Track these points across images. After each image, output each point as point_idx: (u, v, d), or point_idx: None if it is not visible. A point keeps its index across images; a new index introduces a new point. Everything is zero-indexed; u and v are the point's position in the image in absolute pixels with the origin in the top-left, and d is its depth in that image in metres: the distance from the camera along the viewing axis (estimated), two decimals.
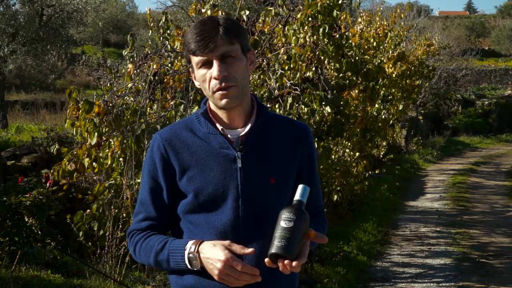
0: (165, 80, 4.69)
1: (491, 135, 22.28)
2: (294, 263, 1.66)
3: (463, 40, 35.13)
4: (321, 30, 4.89)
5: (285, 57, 4.91)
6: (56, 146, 5.40)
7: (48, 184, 4.98)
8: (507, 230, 8.23)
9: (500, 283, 5.89)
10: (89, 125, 4.44)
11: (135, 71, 4.78)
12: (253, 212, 1.80)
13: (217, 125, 1.85)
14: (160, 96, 4.76)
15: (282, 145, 1.88)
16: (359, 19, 9.31)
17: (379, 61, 8.44)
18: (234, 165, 1.81)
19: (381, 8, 10.65)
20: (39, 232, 4.35)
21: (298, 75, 4.94)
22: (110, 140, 4.57)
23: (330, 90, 5.47)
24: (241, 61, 1.80)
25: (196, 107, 4.26)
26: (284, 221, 1.68)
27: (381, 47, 9.32)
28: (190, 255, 1.73)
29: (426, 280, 5.99)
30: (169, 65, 4.77)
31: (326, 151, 5.25)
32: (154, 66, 4.72)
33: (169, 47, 4.79)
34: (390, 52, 9.60)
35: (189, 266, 1.74)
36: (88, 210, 4.67)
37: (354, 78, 6.14)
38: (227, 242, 1.71)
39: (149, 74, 4.70)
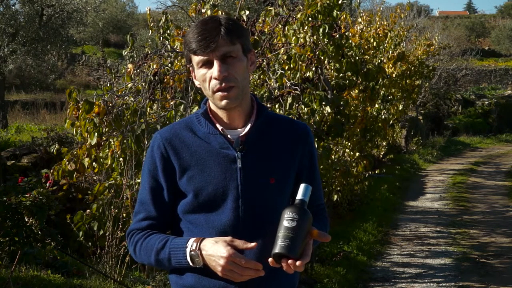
0: (165, 80, 4.69)
1: (491, 135, 22.28)
2: (298, 263, 1.66)
3: (463, 40, 35.13)
4: (321, 30, 4.89)
5: (285, 57, 4.91)
6: (56, 146, 5.39)
7: (48, 184, 4.98)
8: (507, 230, 8.23)
9: (500, 283, 5.89)
10: (89, 125, 4.44)
11: (135, 71, 4.78)
12: (253, 212, 1.80)
13: (217, 125, 1.85)
14: (160, 96, 4.76)
15: (282, 145, 1.88)
16: (359, 19, 9.31)
17: (379, 61, 8.44)
18: (234, 165, 1.81)
19: (381, 8, 10.64)
20: (39, 232, 4.35)
21: (298, 75, 4.94)
22: (110, 140, 4.57)
23: (330, 90, 5.47)
24: (241, 62, 1.80)
25: (196, 107, 4.26)
26: (287, 220, 1.68)
27: (381, 47, 9.31)
28: (192, 252, 1.73)
29: (426, 280, 5.99)
30: (169, 65, 4.77)
31: (326, 151, 5.25)
32: (154, 66, 4.73)
33: (169, 47, 4.79)
34: (390, 52, 9.60)
35: (191, 264, 1.74)
36: (88, 210, 4.67)
37: (354, 78, 6.14)
38: (228, 238, 1.72)
39: (149, 74, 4.70)
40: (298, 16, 4.95)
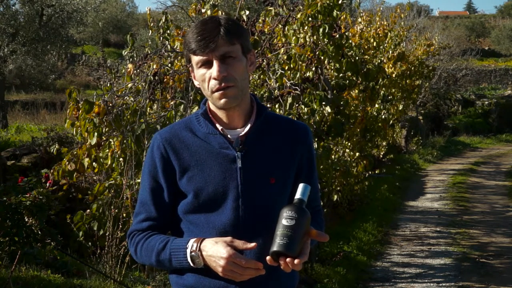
0: (165, 80, 4.70)
1: (491, 135, 22.27)
2: (296, 261, 1.66)
3: (463, 40, 35.12)
4: (321, 30, 4.89)
5: (285, 57, 4.91)
6: (56, 146, 5.39)
7: (48, 184, 4.98)
8: (507, 230, 8.23)
9: (500, 283, 5.89)
10: (89, 125, 4.44)
11: (135, 71, 4.78)
12: (253, 212, 1.80)
13: (217, 125, 1.85)
14: (160, 96, 4.76)
15: (282, 145, 1.89)
16: (359, 19, 9.32)
17: (379, 61, 8.44)
18: (234, 165, 1.81)
19: (381, 8, 10.65)
20: (39, 232, 4.35)
21: (298, 75, 4.94)
22: (110, 140, 4.57)
23: (330, 90, 5.47)
24: (241, 62, 1.80)
25: (196, 107, 4.26)
26: (285, 219, 1.68)
27: (381, 47, 9.32)
28: (193, 253, 1.73)
29: (426, 280, 5.99)
30: (169, 65, 4.77)
31: (326, 151, 5.26)
32: (154, 66, 4.73)
33: (169, 47, 4.80)
34: (390, 52, 9.61)
35: (192, 264, 1.74)
36: (88, 210, 4.67)
37: (354, 78, 6.14)
38: (228, 239, 1.72)
39: (149, 74, 4.70)
40: (298, 16, 4.95)
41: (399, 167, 13.71)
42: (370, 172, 9.20)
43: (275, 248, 1.66)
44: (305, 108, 4.94)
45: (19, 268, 4.35)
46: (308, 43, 4.96)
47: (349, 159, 7.40)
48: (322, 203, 2.53)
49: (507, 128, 23.14)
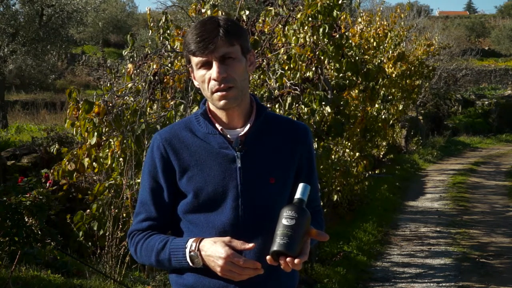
0: (165, 80, 4.70)
1: (491, 135, 22.27)
2: (296, 261, 1.66)
3: (463, 40, 35.12)
4: (321, 30, 4.89)
5: (285, 57, 4.91)
6: (56, 146, 5.39)
7: (48, 184, 4.98)
8: (507, 230, 8.23)
9: (500, 283, 5.89)
10: (89, 125, 4.44)
11: (135, 71, 4.78)
12: (253, 211, 1.81)
13: (217, 125, 1.85)
14: (160, 96, 4.76)
15: (281, 145, 1.89)
16: (359, 19, 9.32)
17: (379, 61, 8.44)
18: (233, 165, 1.81)
19: (381, 8, 10.65)
20: (39, 232, 4.35)
21: (298, 75, 4.94)
22: (110, 140, 4.57)
23: (330, 90, 5.47)
24: (240, 63, 1.80)
25: (196, 107, 4.26)
26: (285, 219, 1.69)
27: (381, 47, 9.32)
28: (192, 253, 1.74)
29: (426, 280, 5.99)
30: (169, 65, 4.77)
31: (326, 151, 5.26)
32: (154, 66, 4.73)
33: (169, 47, 4.80)
34: (390, 52, 9.61)
35: (191, 264, 1.75)
36: (88, 210, 4.67)
37: (354, 78, 6.14)
38: (227, 239, 1.72)
39: (149, 74, 4.70)
40: (298, 16, 4.95)
41: (399, 167, 13.72)
42: (370, 172, 9.19)
43: (275, 247, 1.66)
44: (305, 108, 4.94)
45: (19, 268, 4.35)
46: (308, 43, 4.96)
47: (349, 159, 7.40)
48: (322, 203, 2.53)
49: (507, 128, 23.14)
